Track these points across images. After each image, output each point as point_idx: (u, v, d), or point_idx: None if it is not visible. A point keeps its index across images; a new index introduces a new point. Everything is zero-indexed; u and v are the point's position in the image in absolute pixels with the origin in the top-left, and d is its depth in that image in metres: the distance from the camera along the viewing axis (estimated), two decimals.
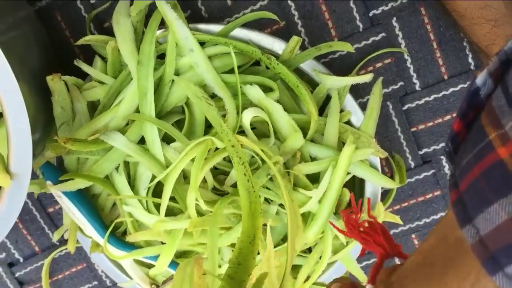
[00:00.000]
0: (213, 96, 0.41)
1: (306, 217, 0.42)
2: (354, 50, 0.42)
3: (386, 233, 0.32)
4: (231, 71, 0.40)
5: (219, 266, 0.43)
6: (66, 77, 0.40)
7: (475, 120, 0.22)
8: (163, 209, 0.39)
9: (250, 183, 0.36)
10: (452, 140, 0.24)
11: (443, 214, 0.49)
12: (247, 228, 0.34)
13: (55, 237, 0.48)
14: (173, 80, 0.40)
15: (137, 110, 0.39)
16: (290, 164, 0.41)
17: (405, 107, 0.46)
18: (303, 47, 0.41)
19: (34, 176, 0.40)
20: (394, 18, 0.43)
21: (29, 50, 0.41)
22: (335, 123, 0.41)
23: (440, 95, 0.45)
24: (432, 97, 0.45)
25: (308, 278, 0.44)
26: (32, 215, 0.52)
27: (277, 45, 0.41)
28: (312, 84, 0.42)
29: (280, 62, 0.39)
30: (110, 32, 0.42)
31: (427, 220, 0.50)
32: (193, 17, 0.44)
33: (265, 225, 0.40)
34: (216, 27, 0.40)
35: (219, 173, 0.42)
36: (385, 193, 0.47)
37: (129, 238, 0.42)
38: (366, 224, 0.32)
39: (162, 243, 0.43)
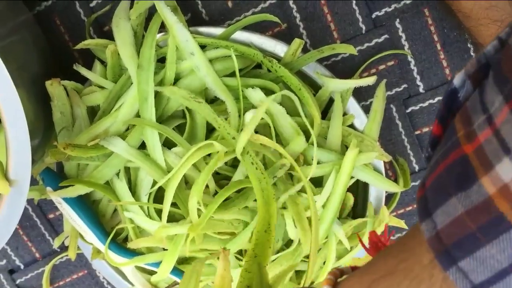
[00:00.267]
0: (215, 99, 0.41)
1: (309, 222, 0.42)
2: (357, 52, 0.42)
3: None
4: (232, 74, 0.39)
5: None
6: (66, 82, 0.39)
7: None
8: (165, 215, 0.39)
9: (259, 171, 0.36)
10: (431, 144, 0.24)
11: None
12: (262, 217, 0.34)
13: (56, 244, 0.47)
14: (174, 84, 0.39)
15: (138, 115, 0.39)
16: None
17: (409, 110, 0.45)
18: (305, 50, 0.41)
19: (34, 182, 0.40)
20: (397, 20, 0.42)
21: (28, 54, 0.40)
22: (338, 126, 0.40)
23: None
24: (436, 99, 0.44)
25: (312, 283, 0.43)
26: (32, 222, 0.51)
27: (279, 48, 0.40)
28: (314, 87, 0.41)
29: (282, 65, 0.39)
30: (109, 36, 0.41)
31: None
32: (193, 20, 0.43)
33: None
34: (217, 30, 0.40)
35: (220, 178, 0.41)
36: (389, 197, 0.47)
37: (131, 245, 0.42)
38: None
39: (164, 249, 0.42)
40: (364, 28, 0.43)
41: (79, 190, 0.41)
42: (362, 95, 0.44)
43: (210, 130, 0.41)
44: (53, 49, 0.44)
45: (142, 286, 0.45)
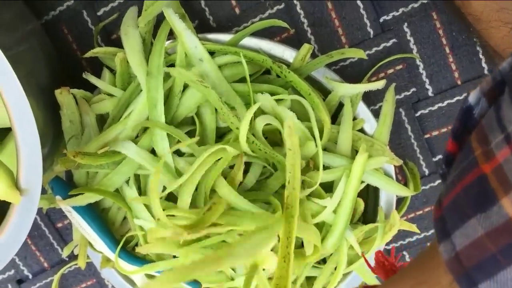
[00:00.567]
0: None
1: (320, 228, 0.41)
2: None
3: None
4: (241, 80, 0.39)
5: (232, 279, 0.43)
6: (75, 90, 0.39)
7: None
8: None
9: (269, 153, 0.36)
10: (446, 161, 0.24)
11: None
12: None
13: (65, 253, 0.47)
14: (183, 91, 0.39)
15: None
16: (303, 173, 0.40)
17: (418, 114, 0.45)
18: (313, 55, 0.41)
19: (43, 191, 0.40)
20: (405, 24, 0.42)
21: (37, 63, 0.40)
22: (348, 131, 0.40)
23: (453, 100, 0.44)
24: (446, 102, 0.44)
25: None
26: (40, 231, 0.51)
27: (287, 53, 0.40)
28: (323, 92, 0.41)
29: (291, 70, 0.39)
30: (117, 44, 0.41)
31: None
32: (201, 27, 0.43)
33: None
34: (225, 37, 0.40)
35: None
36: (399, 201, 0.46)
37: (140, 249, 0.41)
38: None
39: (175, 256, 0.42)
40: (372, 32, 0.43)
41: (88, 198, 0.41)
42: (371, 100, 0.44)
43: (220, 136, 0.41)
44: (61, 57, 0.44)
45: None
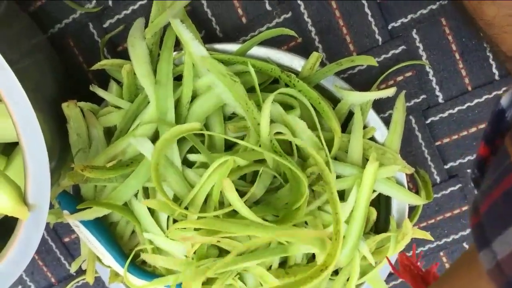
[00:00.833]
0: (233, 116, 0.40)
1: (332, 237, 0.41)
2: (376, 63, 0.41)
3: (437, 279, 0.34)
4: (249, 90, 0.39)
5: None
6: (82, 103, 0.39)
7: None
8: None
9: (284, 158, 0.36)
10: (478, 166, 0.23)
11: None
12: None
13: (73, 268, 0.47)
14: (191, 101, 0.39)
15: (156, 134, 0.38)
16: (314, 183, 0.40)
17: (429, 121, 0.44)
18: (320, 63, 0.40)
19: (50, 205, 0.39)
20: (414, 30, 0.42)
21: (43, 77, 0.40)
22: (359, 139, 0.40)
23: (464, 106, 0.44)
24: (456, 109, 0.44)
25: None
26: (47, 246, 0.50)
27: (296, 62, 0.40)
28: (332, 100, 0.41)
29: (300, 79, 0.38)
30: (123, 56, 0.41)
31: (456, 237, 0.48)
32: (208, 37, 0.43)
33: None
34: (232, 47, 0.40)
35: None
36: (410, 210, 0.46)
37: (146, 258, 0.41)
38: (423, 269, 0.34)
39: None
40: (380, 39, 0.42)
41: (97, 212, 0.40)
42: (381, 107, 0.44)
43: (230, 146, 0.40)
44: (67, 70, 0.43)
45: None
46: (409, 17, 0.41)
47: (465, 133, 0.44)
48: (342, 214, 0.37)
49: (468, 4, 0.36)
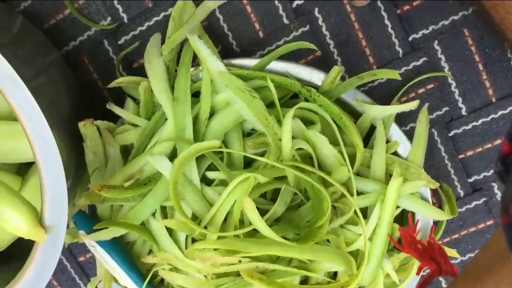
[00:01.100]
0: (251, 132, 0.39)
1: (355, 256, 0.40)
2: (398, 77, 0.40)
3: (443, 252, 0.34)
4: (269, 105, 0.38)
5: None
6: (99, 121, 0.38)
7: None
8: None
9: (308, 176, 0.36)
10: (501, 160, 0.23)
11: None
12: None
13: None
14: (209, 118, 0.38)
15: (174, 151, 0.37)
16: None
17: (451, 133, 0.43)
18: (341, 77, 0.39)
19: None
20: (436, 41, 0.41)
21: (58, 95, 0.39)
22: (382, 154, 0.39)
23: (488, 118, 0.42)
24: (480, 121, 0.43)
25: None
26: (62, 265, 0.50)
27: (315, 76, 0.39)
28: (352, 114, 0.40)
29: (321, 94, 0.37)
30: (139, 72, 0.40)
31: None
32: (224, 52, 0.42)
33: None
34: (250, 61, 0.39)
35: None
36: (434, 225, 0.44)
37: (164, 275, 0.40)
38: (425, 243, 0.34)
39: None
40: (401, 51, 0.41)
41: (113, 232, 0.39)
42: (402, 120, 0.43)
43: (248, 163, 0.39)
44: (82, 87, 0.43)
45: None
46: (431, 28, 0.40)
47: (489, 145, 0.43)
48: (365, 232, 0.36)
49: (495, 15, 0.35)
